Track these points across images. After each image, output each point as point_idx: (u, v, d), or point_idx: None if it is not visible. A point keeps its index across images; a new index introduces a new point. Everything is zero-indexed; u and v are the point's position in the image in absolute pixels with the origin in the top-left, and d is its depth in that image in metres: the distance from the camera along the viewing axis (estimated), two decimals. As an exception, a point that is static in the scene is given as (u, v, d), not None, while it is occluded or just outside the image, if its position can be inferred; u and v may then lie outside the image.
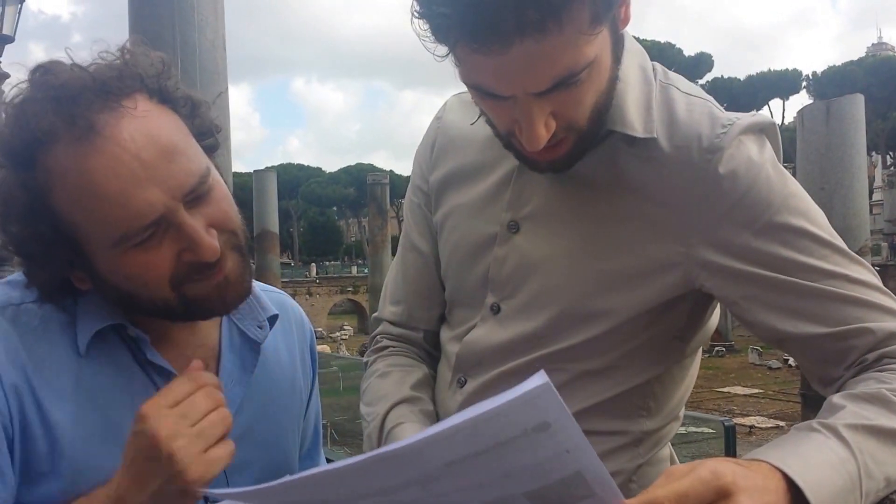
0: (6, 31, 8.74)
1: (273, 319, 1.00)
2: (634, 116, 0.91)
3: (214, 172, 0.86)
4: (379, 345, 1.18)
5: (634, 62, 0.93)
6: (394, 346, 1.16)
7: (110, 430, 0.85)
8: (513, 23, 0.73)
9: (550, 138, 0.84)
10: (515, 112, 0.83)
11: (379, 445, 1.01)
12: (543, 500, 0.58)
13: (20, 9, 8.90)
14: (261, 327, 0.98)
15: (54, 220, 0.80)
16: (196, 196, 0.82)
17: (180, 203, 0.80)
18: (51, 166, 0.78)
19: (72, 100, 0.78)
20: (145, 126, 0.79)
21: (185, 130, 0.85)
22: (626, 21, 0.85)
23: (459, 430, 0.52)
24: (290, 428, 1.05)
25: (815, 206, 0.91)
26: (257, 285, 0.99)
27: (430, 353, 1.16)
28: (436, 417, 1.07)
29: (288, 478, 0.62)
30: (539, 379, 0.52)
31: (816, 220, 0.89)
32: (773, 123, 0.95)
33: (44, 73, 0.80)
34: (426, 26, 0.79)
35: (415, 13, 0.79)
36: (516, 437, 0.53)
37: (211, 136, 0.89)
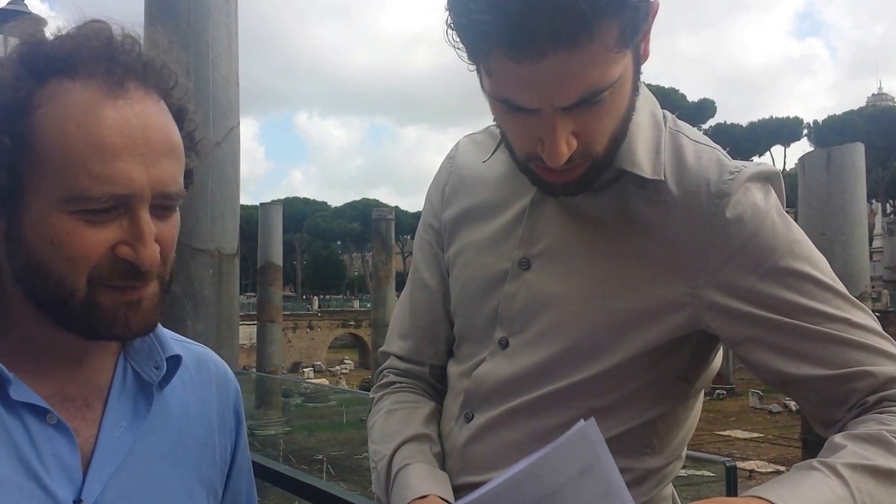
0: None
1: (175, 361, 0.89)
2: (643, 158, 0.94)
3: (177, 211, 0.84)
4: (385, 380, 1.19)
5: (646, 108, 0.97)
6: (400, 382, 1.17)
7: None
8: (548, 34, 0.76)
9: (567, 161, 0.87)
10: (539, 128, 0.85)
11: (387, 486, 1.02)
12: None
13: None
14: (157, 367, 0.88)
15: (24, 135, 0.74)
16: (164, 207, 0.79)
17: (149, 198, 0.77)
18: (65, 90, 0.75)
19: (131, 54, 0.77)
20: (166, 119, 0.79)
21: (183, 156, 0.83)
22: (646, 56, 0.88)
23: (510, 485, 0.52)
24: (193, 488, 0.91)
25: (818, 252, 0.93)
26: (171, 334, 0.93)
27: (436, 387, 1.17)
28: (442, 455, 1.08)
29: None
30: (584, 421, 0.53)
31: (819, 266, 0.92)
32: (778, 173, 0.99)
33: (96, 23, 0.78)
34: (460, 37, 0.83)
35: (449, 24, 0.83)
36: (562, 486, 0.53)
37: (190, 180, 0.86)
